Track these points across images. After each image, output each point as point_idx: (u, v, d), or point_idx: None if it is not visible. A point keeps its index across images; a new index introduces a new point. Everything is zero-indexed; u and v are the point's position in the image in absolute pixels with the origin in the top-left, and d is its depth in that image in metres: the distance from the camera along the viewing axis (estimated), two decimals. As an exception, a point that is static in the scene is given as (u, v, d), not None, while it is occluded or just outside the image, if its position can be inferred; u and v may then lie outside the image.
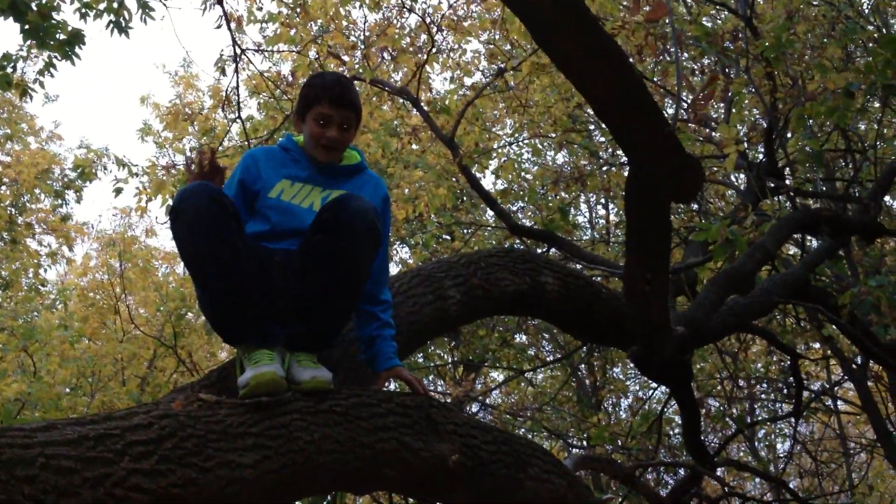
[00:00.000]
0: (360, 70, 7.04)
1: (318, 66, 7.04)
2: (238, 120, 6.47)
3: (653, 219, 2.10)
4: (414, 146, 8.52)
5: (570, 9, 1.71)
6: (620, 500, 6.06)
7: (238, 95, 6.42)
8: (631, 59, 7.13)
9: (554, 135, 8.77)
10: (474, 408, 12.16)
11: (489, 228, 9.86)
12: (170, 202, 7.32)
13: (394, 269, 11.19)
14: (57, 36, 6.38)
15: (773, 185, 5.99)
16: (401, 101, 7.88)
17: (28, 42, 6.44)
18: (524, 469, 2.89)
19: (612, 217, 11.78)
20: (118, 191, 7.75)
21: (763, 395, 11.09)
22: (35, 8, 6.21)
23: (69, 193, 15.98)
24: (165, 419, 2.09)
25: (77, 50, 6.51)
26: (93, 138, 26.42)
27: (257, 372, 2.35)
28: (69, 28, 6.45)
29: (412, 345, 3.33)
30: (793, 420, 6.92)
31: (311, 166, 2.86)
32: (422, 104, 7.25)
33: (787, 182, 6.76)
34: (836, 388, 10.93)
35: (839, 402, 12.11)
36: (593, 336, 4.61)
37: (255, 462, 2.15)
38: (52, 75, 6.71)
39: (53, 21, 6.35)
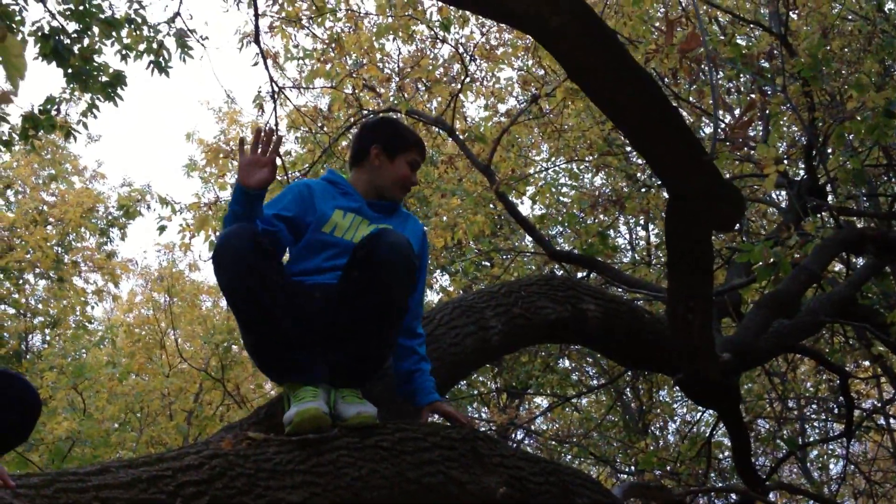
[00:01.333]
0: (396, 101, 7.11)
1: (354, 100, 7.12)
2: (277, 155, 6.52)
3: (693, 247, 2.09)
4: (450, 174, 8.56)
5: (599, 37, 1.72)
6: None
7: (276, 131, 6.51)
8: (666, 80, 7.15)
9: (590, 158, 8.77)
10: (519, 434, 12.09)
11: (528, 254, 9.85)
12: (213, 238, 7.43)
13: (434, 298, 11.21)
14: (99, 78, 6.55)
15: (814, 203, 5.92)
16: (437, 130, 7.94)
17: (71, 85, 6.61)
18: (572, 499, 2.87)
19: (652, 238, 11.71)
20: (162, 228, 7.88)
21: (813, 416, 10.88)
22: (77, 52, 6.38)
23: (113, 231, 16.30)
24: (216, 459, 2.11)
25: (119, 91, 6.67)
26: (136, 175, 26.99)
27: (301, 408, 2.38)
28: (111, 70, 6.61)
29: (455, 376, 3.33)
30: (845, 440, 6.77)
31: (361, 200, 2.94)
32: (457, 133, 7.29)
33: (830, 200, 6.69)
34: (887, 407, 10.69)
35: (891, 421, 11.84)
36: (636, 361, 4.57)
37: (304, 499, 2.17)
38: (94, 116, 6.88)
39: (95, 63, 6.52)
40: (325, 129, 7.78)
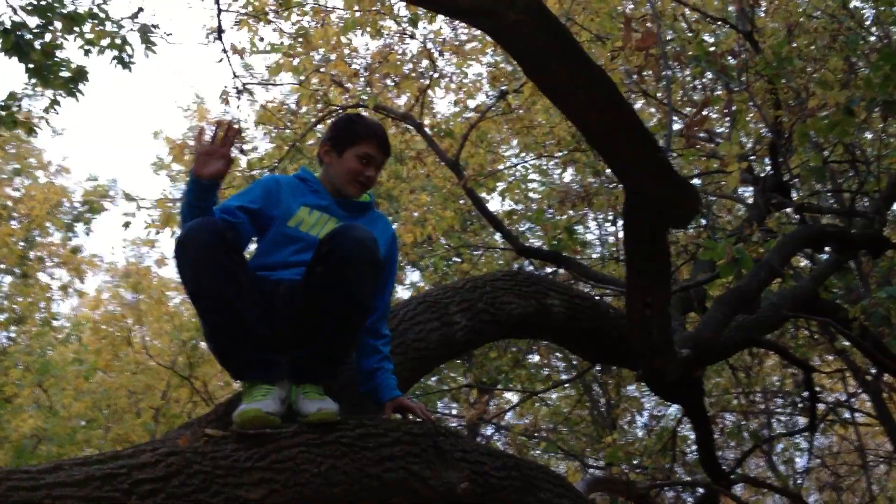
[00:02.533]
0: (363, 97, 7.09)
1: (321, 96, 7.09)
2: (241, 153, 6.50)
3: (650, 244, 2.10)
4: (420, 170, 8.55)
5: (556, 37, 1.71)
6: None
7: (236, 123, 6.46)
8: (634, 77, 7.18)
9: (559, 154, 8.79)
10: (489, 430, 12.12)
11: (498, 250, 9.87)
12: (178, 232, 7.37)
13: (405, 294, 11.19)
14: (61, 73, 6.46)
15: (778, 200, 5.98)
16: (405, 126, 7.92)
17: (33, 80, 6.52)
18: (534, 493, 2.88)
19: (620, 234, 11.76)
20: (126, 224, 7.80)
21: (779, 410, 11.01)
22: (39, 47, 6.29)
23: (79, 226, 16.11)
24: (172, 456, 2.09)
25: (81, 86, 6.59)
26: (104, 171, 26.60)
27: (244, 409, 2.36)
28: (73, 65, 6.53)
29: (420, 371, 3.33)
30: (809, 434, 6.86)
31: (330, 198, 2.91)
32: (425, 128, 7.28)
33: (794, 196, 6.76)
34: (851, 401, 10.85)
35: (856, 415, 12.02)
36: (601, 356, 4.60)
37: (263, 496, 2.15)
38: (56, 112, 6.78)
39: (57, 59, 6.43)
40: (292, 125, 7.74)
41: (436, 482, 2.57)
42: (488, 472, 2.74)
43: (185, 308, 14.62)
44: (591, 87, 1.67)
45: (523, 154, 9.68)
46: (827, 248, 5.27)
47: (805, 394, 6.95)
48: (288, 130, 7.78)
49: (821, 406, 8.38)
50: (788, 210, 6.36)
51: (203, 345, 12.22)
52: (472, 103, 9.04)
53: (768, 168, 7.07)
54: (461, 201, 9.19)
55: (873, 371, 8.29)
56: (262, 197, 2.83)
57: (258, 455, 2.23)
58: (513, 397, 12.44)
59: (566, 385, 10.92)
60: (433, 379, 12.12)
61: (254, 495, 2.13)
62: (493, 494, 2.72)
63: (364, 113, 6.92)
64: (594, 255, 11.47)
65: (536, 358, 11.58)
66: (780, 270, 4.36)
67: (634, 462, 7.37)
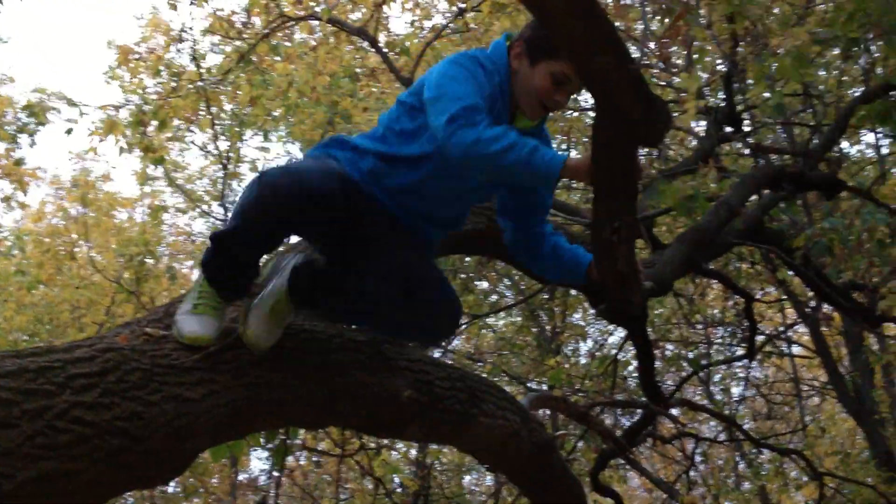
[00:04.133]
0: (317, 8, 6.90)
1: (274, 5, 6.88)
2: (193, 60, 6.31)
3: (620, 163, 2.06)
4: (374, 88, 8.42)
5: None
6: (576, 439, 6.15)
7: (187, 33, 6.27)
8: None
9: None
10: (435, 354, 12.22)
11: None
12: (122, 142, 7.17)
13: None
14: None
15: (730, 132, 6.01)
16: (359, 42, 7.75)
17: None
18: (478, 405, 2.90)
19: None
20: (69, 131, 7.58)
21: (719, 339, 11.27)
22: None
23: (23, 137, 15.61)
24: (109, 353, 2.05)
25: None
26: (52, 82, 25.78)
27: (192, 332, 2.23)
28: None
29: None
30: (747, 360, 7.03)
31: (508, 116, 2.53)
32: (381, 46, 7.13)
33: (746, 128, 6.78)
34: (789, 332, 11.14)
35: (793, 347, 12.37)
36: (553, 280, 4.61)
37: (203, 396, 2.12)
38: (-3, 11, 6.49)
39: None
40: (245, 35, 7.53)
41: (379, 389, 2.56)
42: (433, 381, 2.75)
43: (132, 225, 14.38)
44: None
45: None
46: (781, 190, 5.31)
47: (745, 324, 7.09)
48: (238, 42, 7.57)
49: (760, 338, 8.59)
50: (739, 145, 6.39)
51: (151, 261, 12.04)
52: (428, 23, 8.89)
53: (721, 98, 7.07)
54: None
55: (812, 303, 8.51)
56: (488, 83, 2.44)
57: (199, 356, 2.19)
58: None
59: (513, 309, 11.02)
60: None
61: (193, 395, 2.10)
62: (436, 404, 2.73)
63: (317, 25, 6.76)
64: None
65: (485, 284, 11.65)
66: (739, 209, 4.39)
67: (576, 386, 7.50)
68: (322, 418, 2.59)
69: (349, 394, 2.49)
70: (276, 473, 10.90)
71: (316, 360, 2.42)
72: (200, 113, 8.44)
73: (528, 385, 10.91)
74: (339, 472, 10.10)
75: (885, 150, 8.56)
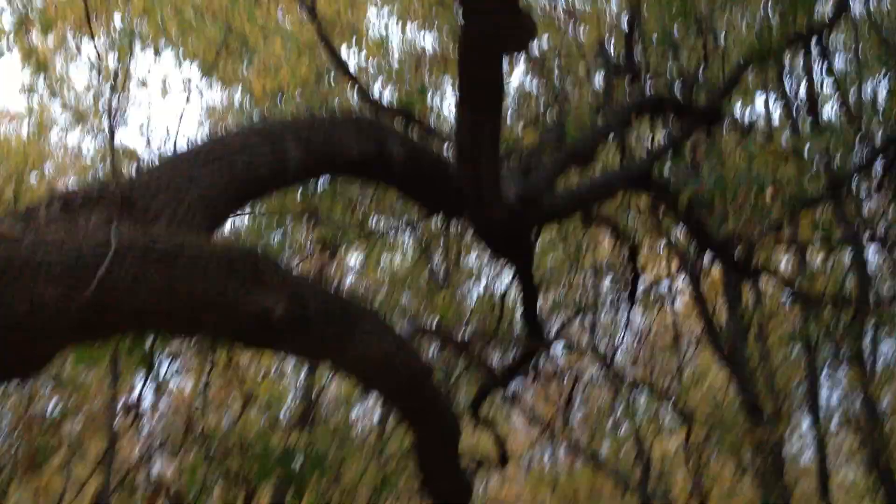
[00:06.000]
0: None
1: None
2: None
3: (484, 70, 2.05)
4: (272, 12, 8.16)
5: None
6: (458, 373, 6.24)
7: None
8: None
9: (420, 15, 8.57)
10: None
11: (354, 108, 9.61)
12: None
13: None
14: None
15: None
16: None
17: None
18: (354, 327, 2.89)
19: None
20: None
21: (606, 287, 11.51)
22: None
23: None
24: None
25: None
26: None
27: None
28: None
29: (248, 194, 3.20)
30: (628, 304, 7.24)
31: None
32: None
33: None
34: (670, 282, 11.50)
35: (675, 298, 12.80)
36: (438, 207, 4.61)
37: (61, 294, 2.03)
38: None
39: None
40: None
41: (252, 305, 2.51)
42: (308, 299, 2.71)
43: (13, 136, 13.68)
44: None
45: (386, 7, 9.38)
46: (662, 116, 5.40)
47: (629, 270, 7.27)
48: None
49: (642, 285, 8.83)
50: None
51: (34, 180, 11.50)
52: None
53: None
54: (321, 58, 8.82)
55: (694, 254, 8.79)
56: None
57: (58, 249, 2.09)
58: (353, 262, 12.45)
59: (402, 235, 10.99)
60: (278, 237, 11.93)
61: (50, 291, 2.01)
62: (310, 322, 2.69)
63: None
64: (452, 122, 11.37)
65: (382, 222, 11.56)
66: (617, 129, 4.46)
67: (465, 322, 7.57)
68: (185, 327, 2.52)
69: (215, 305, 2.41)
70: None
71: (184, 268, 2.33)
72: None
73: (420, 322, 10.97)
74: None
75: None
